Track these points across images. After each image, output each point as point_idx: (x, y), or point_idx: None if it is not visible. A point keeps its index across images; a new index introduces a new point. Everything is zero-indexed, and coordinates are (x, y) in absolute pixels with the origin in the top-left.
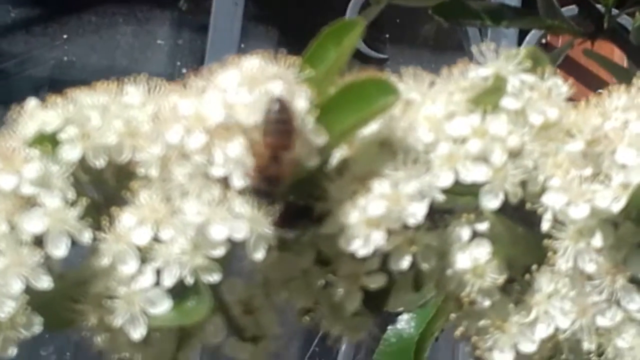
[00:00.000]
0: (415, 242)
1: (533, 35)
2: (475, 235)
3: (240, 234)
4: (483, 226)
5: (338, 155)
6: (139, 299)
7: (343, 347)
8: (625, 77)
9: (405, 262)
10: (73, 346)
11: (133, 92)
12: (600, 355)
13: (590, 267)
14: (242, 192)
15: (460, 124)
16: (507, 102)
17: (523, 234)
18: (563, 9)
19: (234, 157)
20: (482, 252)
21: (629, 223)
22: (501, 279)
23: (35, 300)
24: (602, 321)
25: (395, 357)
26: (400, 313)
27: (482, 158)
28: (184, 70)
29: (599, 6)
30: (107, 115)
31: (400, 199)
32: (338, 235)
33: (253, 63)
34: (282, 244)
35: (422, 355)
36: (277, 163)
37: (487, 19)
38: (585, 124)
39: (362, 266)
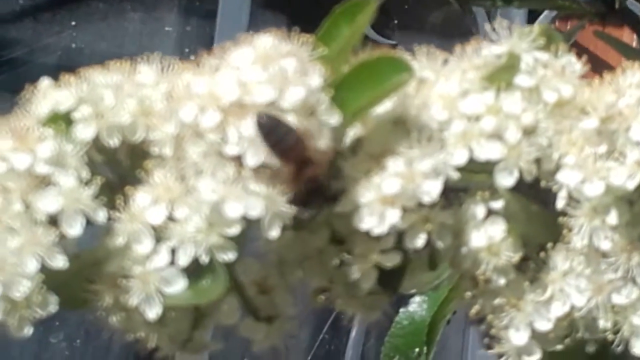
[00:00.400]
0: (430, 220)
1: (542, 20)
2: (490, 213)
3: (255, 212)
4: (498, 204)
5: (352, 133)
6: (154, 278)
7: (353, 334)
8: (636, 58)
9: (420, 241)
10: (83, 333)
11: (146, 71)
12: (616, 332)
13: (605, 245)
14: (256, 170)
15: (474, 101)
16: (521, 80)
17: (538, 211)
18: None
19: (248, 135)
20: (497, 230)
21: None
22: (516, 257)
23: (50, 280)
24: (618, 299)
25: (407, 339)
26: (412, 295)
27: (497, 136)
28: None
29: None
30: (120, 94)
31: (414, 177)
32: (353, 213)
33: (266, 41)
34: (296, 223)
35: (434, 338)
36: (308, 170)
37: None
38: (600, 101)
39: (377, 245)
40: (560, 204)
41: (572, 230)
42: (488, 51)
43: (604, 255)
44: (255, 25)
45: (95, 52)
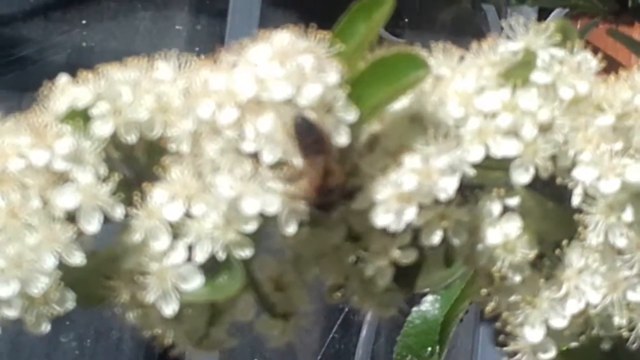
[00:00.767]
0: (446, 217)
1: (552, 18)
2: (505, 210)
3: (272, 208)
4: (514, 201)
5: (369, 130)
6: (171, 274)
7: (363, 333)
8: None
9: (436, 237)
10: (94, 333)
11: (164, 68)
12: (631, 330)
13: (621, 242)
14: (273, 167)
15: (491, 98)
16: (537, 76)
17: (553, 208)
18: None
19: (265, 132)
20: (512, 227)
21: None
22: (532, 254)
23: (67, 276)
24: (633, 296)
25: (420, 338)
26: (424, 294)
27: (513, 132)
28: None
29: None
30: (138, 90)
31: (431, 174)
32: (369, 210)
33: (284, 37)
34: (313, 220)
35: (446, 337)
36: (332, 175)
37: None
38: (615, 98)
39: (393, 242)
40: (575, 200)
41: (588, 227)
42: (504, 48)
43: (620, 252)
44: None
45: (105, 50)
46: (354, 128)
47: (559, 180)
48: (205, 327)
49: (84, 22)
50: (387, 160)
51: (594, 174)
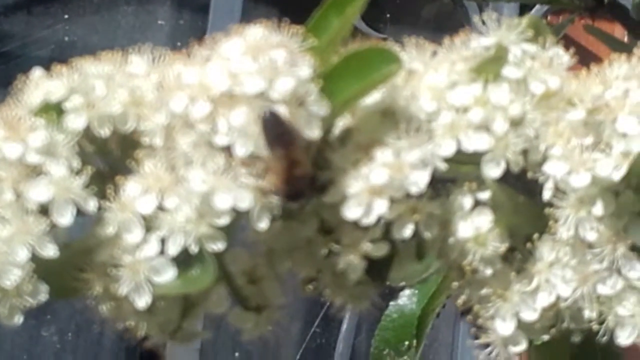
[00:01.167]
0: (418, 211)
1: (533, 14)
2: (477, 204)
3: (244, 204)
4: (485, 195)
5: (341, 124)
6: (144, 267)
7: (344, 327)
8: (625, 52)
9: (407, 231)
10: (74, 327)
11: (137, 62)
12: (601, 323)
13: (591, 236)
14: (247, 162)
15: (462, 93)
16: (509, 72)
17: (524, 202)
18: None
19: (238, 126)
20: (483, 220)
21: (630, 191)
22: (503, 247)
23: (41, 268)
24: (603, 289)
25: (397, 332)
26: (402, 288)
27: (484, 127)
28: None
29: None
30: (111, 84)
31: (402, 168)
32: (341, 203)
33: (256, 32)
34: (285, 213)
35: (423, 331)
36: (299, 166)
37: None
38: (586, 93)
39: (365, 235)
40: (546, 195)
41: (558, 221)
42: (476, 43)
43: (590, 246)
44: (247, 18)
45: (88, 45)
46: (326, 122)
47: (530, 175)
48: (179, 319)
49: (66, 16)
50: (359, 154)
51: (564, 168)
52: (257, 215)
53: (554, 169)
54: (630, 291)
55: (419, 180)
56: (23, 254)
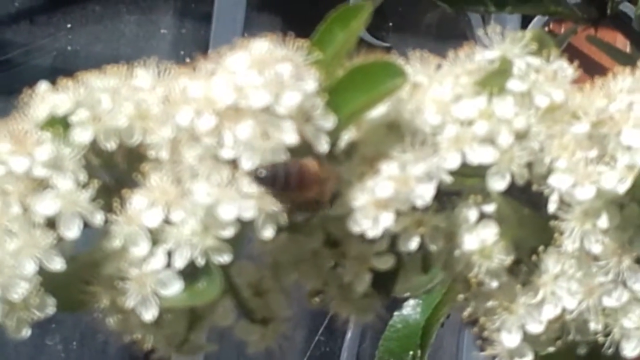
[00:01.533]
0: (424, 224)
1: (535, 23)
2: (482, 216)
3: (248, 213)
4: (490, 208)
5: (346, 137)
6: (151, 280)
7: (348, 336)
8: (628, 63)
9: (413, 243)
10: (79, 336)
11: (143, 75)
12: (607, 335)
13: (596, 248)
14: (250, 173)
15: (467, 106)
16: (513, 85)
17: (530, 215)
18: None
19: (244, 139)
20: (489, 233)
21: (634, 204)
22: (508, 260)
23: (48, 282)
24: (609, 301)
25: (402, 342)
26: (406, 299)
27: (489, 140)
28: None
29: None
30: (117, 98)
31: (408, 181)
32: (347, 216)
33: (262, 46)
34: (291, 225)
35: (428, 341)
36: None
37: (491, 4)
38: (591, 106)
39: (370, 247)
40: (551, 207)
41: (564, 234)
42: (481, 56)
43: (595, 258)
44: (250, 27)
45: (90, 54)
46: (332, 135)
47: (534, 187)
48: (185, 332)
49: (69, 25)
50: (364, 167)
51: (569, 181)
52: (262, 224)
53: (558, 182)
54: (635, 303)
55: (424, 193)
56: (30, 267)
